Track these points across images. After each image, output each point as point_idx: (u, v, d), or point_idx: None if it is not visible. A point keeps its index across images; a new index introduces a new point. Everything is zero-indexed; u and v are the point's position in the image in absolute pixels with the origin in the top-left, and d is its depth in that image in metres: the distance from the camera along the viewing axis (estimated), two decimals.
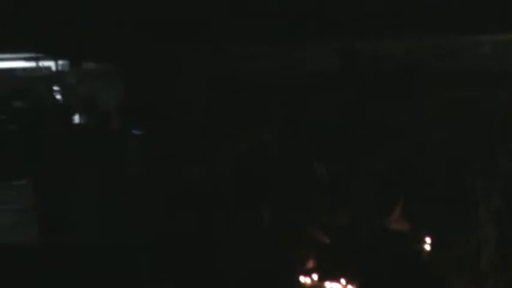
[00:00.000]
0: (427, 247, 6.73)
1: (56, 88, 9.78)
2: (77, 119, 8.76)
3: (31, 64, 9.89)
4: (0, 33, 7.79)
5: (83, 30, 7.93)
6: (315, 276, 6.44)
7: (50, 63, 9.94)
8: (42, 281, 6.58)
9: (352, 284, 6.30)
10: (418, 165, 7.72)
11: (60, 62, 9.87)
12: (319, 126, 8.24)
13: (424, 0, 8.05)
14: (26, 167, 8.20)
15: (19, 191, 8.02)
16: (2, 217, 7.89)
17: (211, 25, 7.92)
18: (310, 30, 8.03)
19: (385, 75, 8.33)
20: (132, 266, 6.59)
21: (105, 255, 6.77)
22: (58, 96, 9.75)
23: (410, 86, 8.28)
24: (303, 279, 6.43)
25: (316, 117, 8.33)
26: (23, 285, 6.61)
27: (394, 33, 8.09)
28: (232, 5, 7.88)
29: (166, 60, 8.50)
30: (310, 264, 6.55)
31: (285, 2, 7.93)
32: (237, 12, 7.85)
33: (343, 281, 6.34)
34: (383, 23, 7.87)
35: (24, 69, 9.73)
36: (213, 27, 7.94)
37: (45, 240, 7.39)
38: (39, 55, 9.53)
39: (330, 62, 8.57)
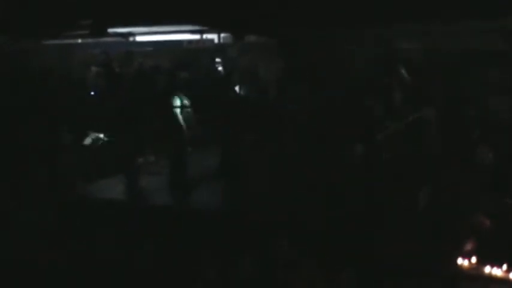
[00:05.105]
0: None
1: (218, 60, 10.22)
2: (237, 90, 9.04)
3: (196, 37, 10.41)
4: (167, 8, 8.13)
5: (246, 5, 8.11)
6: (473, 259, 6.20)
7: (213, 36, 10.40)
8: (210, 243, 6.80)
9: None
10: None
11: (222, 35, 10.29)
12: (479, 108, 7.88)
13: None
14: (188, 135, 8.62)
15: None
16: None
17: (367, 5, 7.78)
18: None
19: None
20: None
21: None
22: (220, 68, 10.17)
23: None
24: (461, 261, 6.22)
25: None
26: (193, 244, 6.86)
27: None
28: None
29: (325, 39, 8.52)
30: (469, 246, 6.32)
31: None
32: None
33: (504, 266, 6.05)
34: None
35: (190, 42, 10.26)
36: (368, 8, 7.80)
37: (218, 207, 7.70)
38: (203, 28, 9.97)
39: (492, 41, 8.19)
